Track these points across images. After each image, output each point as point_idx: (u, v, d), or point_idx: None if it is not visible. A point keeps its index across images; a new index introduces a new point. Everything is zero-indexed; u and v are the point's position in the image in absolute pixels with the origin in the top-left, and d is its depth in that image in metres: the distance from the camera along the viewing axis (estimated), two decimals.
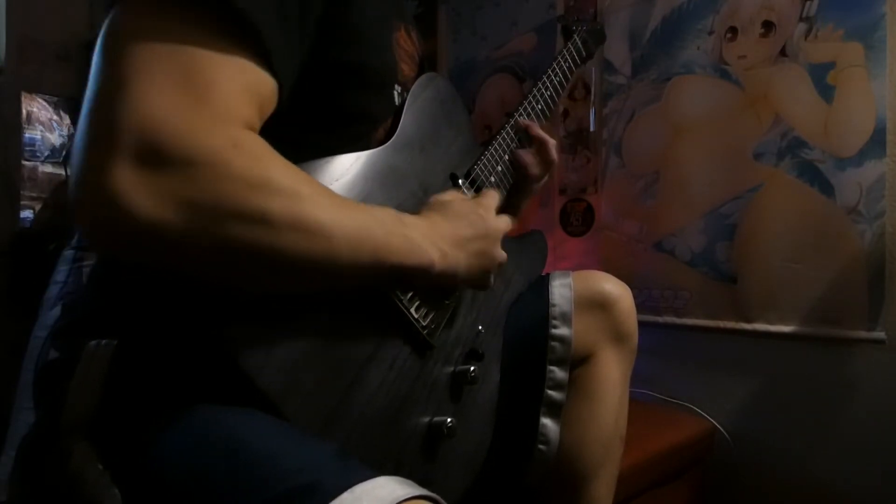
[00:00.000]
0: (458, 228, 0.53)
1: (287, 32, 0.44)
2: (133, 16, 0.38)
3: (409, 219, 0.50)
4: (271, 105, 0.44)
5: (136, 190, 0.34)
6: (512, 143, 0.79)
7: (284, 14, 0.43)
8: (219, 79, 0.38)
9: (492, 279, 0.60)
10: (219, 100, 0.38)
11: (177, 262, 0.38)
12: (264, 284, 0.42)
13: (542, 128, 0.83)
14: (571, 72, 0.92)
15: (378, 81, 0.58)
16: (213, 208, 0.36)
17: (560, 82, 0.88)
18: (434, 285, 0.53)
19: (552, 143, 0.81)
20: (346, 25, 0.51)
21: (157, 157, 0.35)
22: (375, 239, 0.44)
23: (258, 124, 0.42)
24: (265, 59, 0.41)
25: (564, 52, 0.92)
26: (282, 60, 0.43)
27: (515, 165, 0.79)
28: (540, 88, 0.85)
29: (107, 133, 0.35)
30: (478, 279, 0.57)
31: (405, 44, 0.64)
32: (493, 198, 0.63)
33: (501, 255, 0.58)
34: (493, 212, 0.60)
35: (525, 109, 0.81)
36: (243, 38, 0.40)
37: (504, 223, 0.60)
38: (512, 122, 0.79)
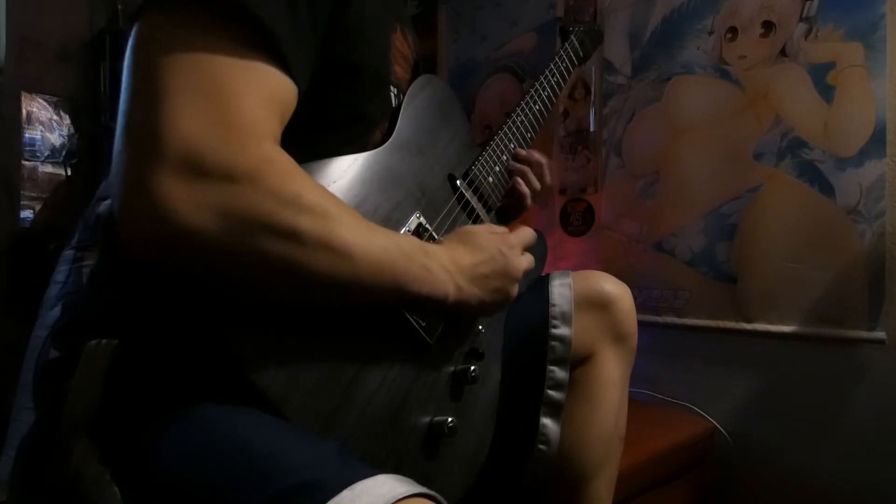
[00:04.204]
0: (479, 265, 0.54)
1: (300, 36, 0.45)
2: (159, 27, 0.40)
3: (431, 248, 0.51)
4: (291, 109, 0.45)
5: (178, 200, 0.37)
6: (510, 143, 0.79)
7: (296, 16, 0.44)
8: (247, 92, 0.40)
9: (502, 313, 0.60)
10: (248, 115, 0.40)
11: (209, 268, 0.40)
12: (287, 296, 0.43)
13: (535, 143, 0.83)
14: (569, 72, 0.92)
15: (375, 82, 0.58)
16: (247, 220, 0.38)
17: (557, 83, 0.89)
18: (446, 315, 0.54)
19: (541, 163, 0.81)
20: (346, 25, 0.52)
21: (198, 171, 0.37)
22: (396, 265, 0.46)
23: (281, 133, 0.44)
24: (284, 65, 0.43)
25: (562, 52, 0.92)
26: (298, 65, 0.44)
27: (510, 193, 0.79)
28: (537, 89, 0.85)
29: (149, 149, 0.37)
30: (488, 313, 0.59)
31: (400, 45, 0.64)
32: (521, 235, 0.62)
33: (516, 292, 0.58)
34: (517, 250, 0.59)
35: (522, 110, 0.81)
36: (264, 45, 0.42)
37: (527, 262, 0.60)
38: (510, 123, 0.80)
